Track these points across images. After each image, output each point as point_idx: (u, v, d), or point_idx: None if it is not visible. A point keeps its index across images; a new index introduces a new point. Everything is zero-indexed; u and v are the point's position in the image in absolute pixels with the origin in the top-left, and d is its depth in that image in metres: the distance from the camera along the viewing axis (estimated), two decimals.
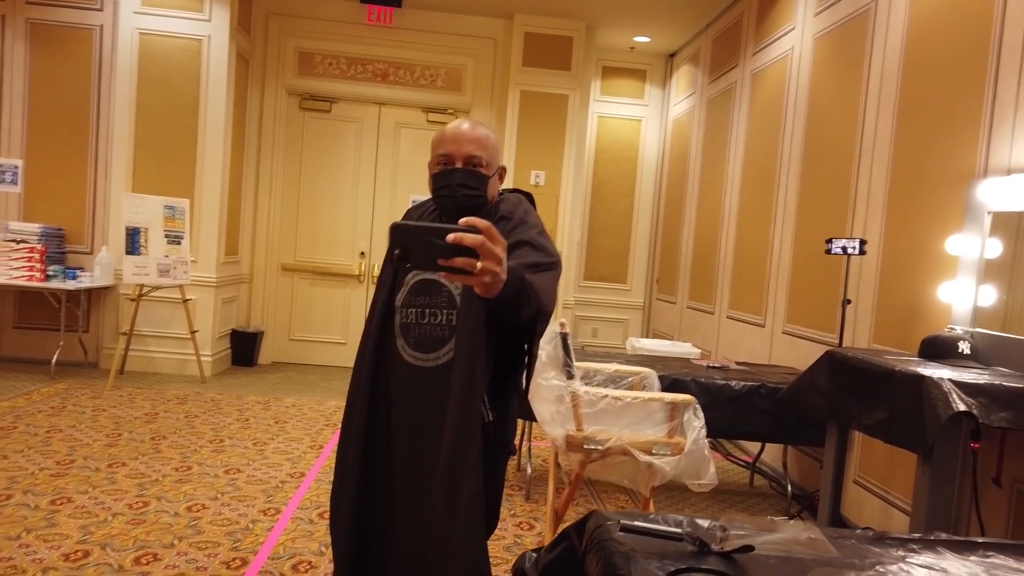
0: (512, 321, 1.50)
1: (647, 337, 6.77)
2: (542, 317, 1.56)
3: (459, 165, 1.69)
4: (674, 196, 6.53)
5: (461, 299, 1.67)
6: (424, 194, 1.96)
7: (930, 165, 2.99)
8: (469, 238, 1.16)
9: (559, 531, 1.78)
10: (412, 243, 1.17)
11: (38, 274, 5.20)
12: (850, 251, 3.11)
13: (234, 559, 2.64)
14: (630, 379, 2.82)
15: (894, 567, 1.30)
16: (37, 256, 5.22)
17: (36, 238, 5.32)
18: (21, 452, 3.55)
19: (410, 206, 1.87)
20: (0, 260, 5.19)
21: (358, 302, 6.53)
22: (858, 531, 1.54)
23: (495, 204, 1.78)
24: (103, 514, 2.92)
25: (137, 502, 3.07)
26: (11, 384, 4.88)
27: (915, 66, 3.15)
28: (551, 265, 1.63)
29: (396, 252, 1.17)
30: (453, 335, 1.66)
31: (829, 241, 3.21)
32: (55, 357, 5.24)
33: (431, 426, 1.66)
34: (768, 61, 4.72)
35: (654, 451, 2.29)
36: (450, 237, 1.15)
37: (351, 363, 1.89)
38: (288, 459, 3.81)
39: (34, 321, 5.64)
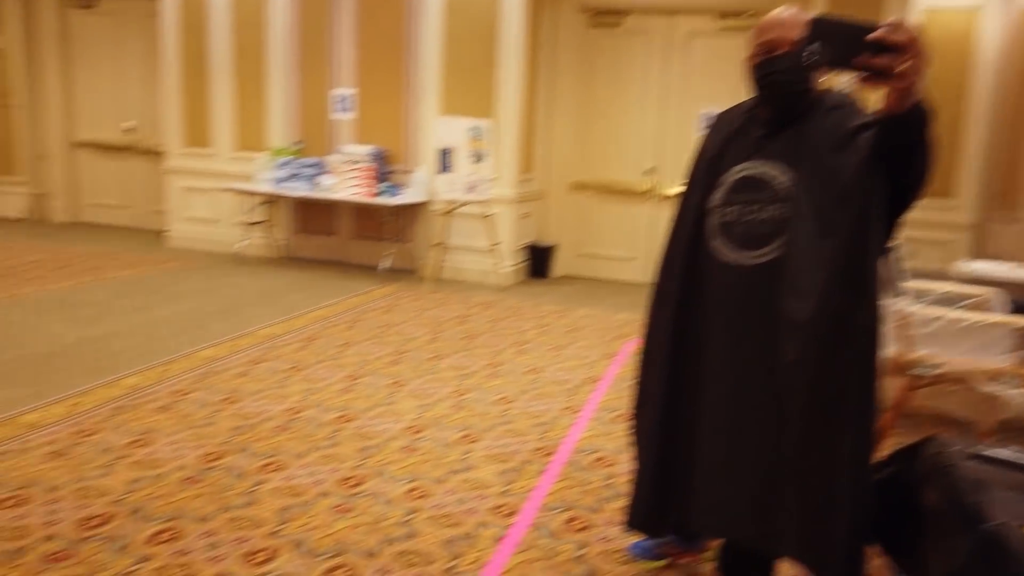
0: (899, 166, 1.39)
1: (980, 261, 5.90)
2: (919, 193, 1.44)
3: (784, 51, 1.58)
4: (1019, 98, 5.49)
5: (793, 191, 1.57)
6: (715, 108, 1.87)
7: None
8: (897, 35, 1.13)
9: (887, 454, 1.68)
10: (832, 37, 1.16)
11: (370, 191, 5.96)
12: None
13: (542, 447, 2.89)
14: (967, 302, 2.49)
15: None
16: (369, 175, 5.97)
17: (367, 159, 6.08)
18: (365, 341, 4.19)
19: (713, 116, 1.80)
20: (340, 179, 6.05)
21: (645, 219, 6.54)
22: None
23: (820, 96, 1.65)
24: (432, 397, 3.36)
25: (458, 390, 3.48)
26: (354, 285, 5.73)
27: None
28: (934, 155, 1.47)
29: (811, 48, 1.17)
30: (781, 230, 1.58)
31: None
32: (385, 264, 6.04)
33: (754, 328, 1.62)
34: None
35: (1000, 381, 2.02)
36: (876, 34, 1.13)
37: (638, 278, 1.89)
38: (584, 364, 4.03)
39: (368, 232, 6.52)
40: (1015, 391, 1.99)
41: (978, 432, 2.25)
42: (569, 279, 6.68)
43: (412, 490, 2.47)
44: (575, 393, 3.55)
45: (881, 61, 1.14)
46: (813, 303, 1.52)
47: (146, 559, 1.95)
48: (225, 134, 6.76)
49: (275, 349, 3.90)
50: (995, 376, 2.05)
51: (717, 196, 1.69)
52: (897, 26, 1.14)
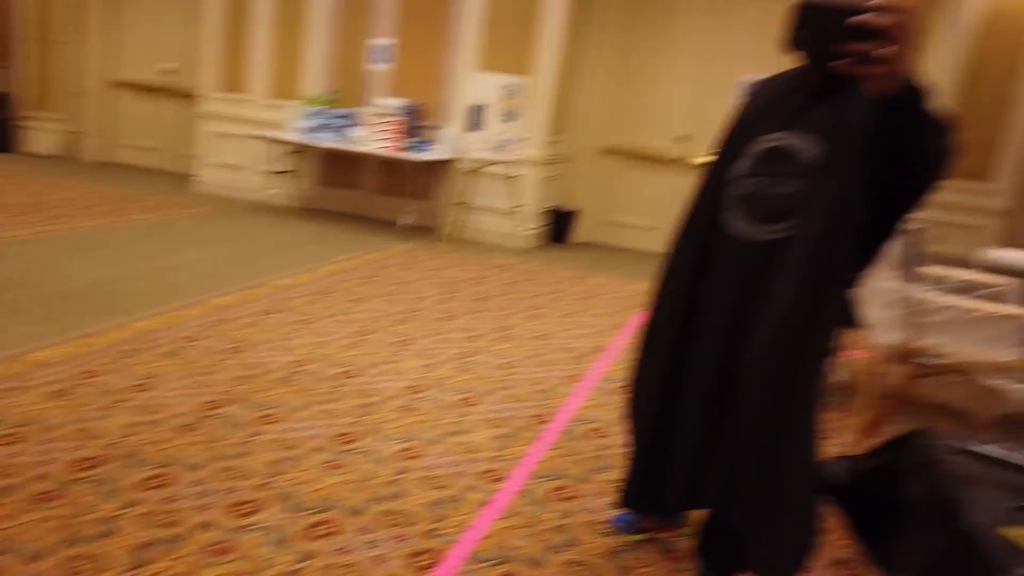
0: (899, 151, 1.33)
1: (1011, 249, 5.70)
2: (929, 177, 1.37)
3: None
4: None
5: (819, 166, 1.49)
6: (756, 75, 1.79)
7: None
8: (877, 20, 1.09)
9: (877, 443, 1.64)
10: (819, 23, 1.15)
11: (397, 145, 5.92)
12: None
13: (539, 414, 2.88)
14: (983, 291, 2.40)
15: None
16: (399, 128, 5.92)
17: (399, 112, 6.02)
18: (378, 297, 4.19)
19: (751, 85, 1.71)
20: (369, 132, 6.01)
21: (672, 187, 6.42)
22: None
23: None
24: (437, 358, 3.36)
25: (464, 352, 3.47)
26: (372, 241, 5.73)
27: None
28: (948, 134, 1.38)
29: (797, 32, 1.17)
30: (799, 207, 1.52)
31: None
32: (408, 220, 6.02)
33: (754, 304, 1.56)
34: None
35: (1005, 375, 1.95)
36: (857, 19, 1.10)
37: (659, 248, 1.84)
38: (592, 333, 4.00)
39: (391, 188, 6.50)
40: (1018, 386, 1.92)
41: (976, 425, 2.18)
42: (590, 246, 6.61)
43: (405, 450, 2.48)
44: (580, 361, 3.53)
45: (862, 46, 1.10)
46: (788, 287, 1.48)
47: (133, 504, 1.99)
48: (261, 80, 6.75)
49: (287, 301, 3.93)
50: (1001, 369, 1.98)
51: (743, 165, 1.61)
52: (882, 8, 1.08)
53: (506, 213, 6.02)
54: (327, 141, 6.12)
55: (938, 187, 1.41)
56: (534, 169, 5.98)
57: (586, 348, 3.73)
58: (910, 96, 1.21)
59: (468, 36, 5.96)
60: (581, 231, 6.72)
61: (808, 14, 1.14)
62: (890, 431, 2.81)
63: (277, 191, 6.68)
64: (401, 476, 2.32)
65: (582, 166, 6.67)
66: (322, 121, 6.20)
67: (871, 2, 1.10)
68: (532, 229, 6.11)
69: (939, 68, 5.35)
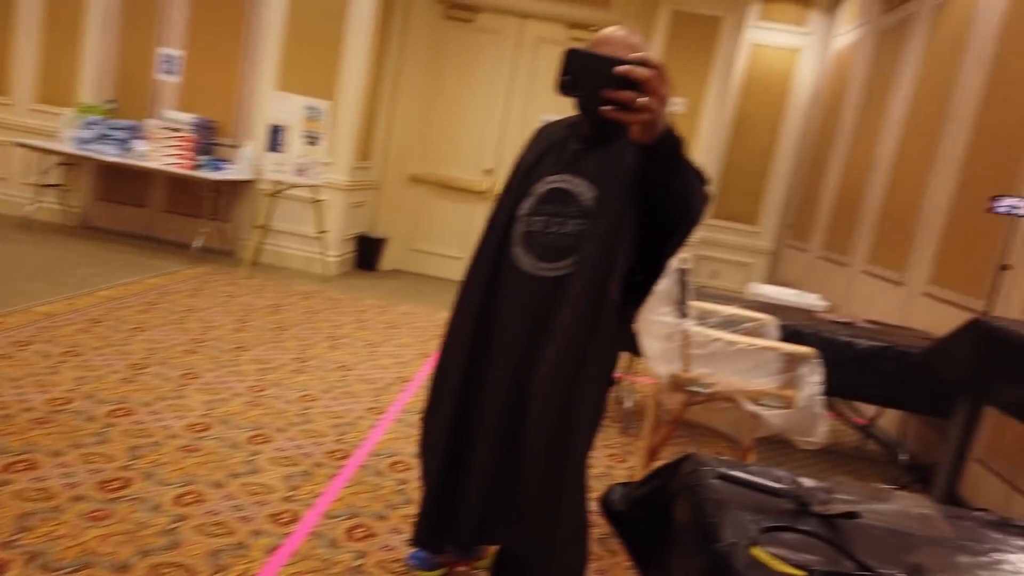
0: (661, 194, 1.45)
1: (771, 285, 6.44)
2: (688, 218, 1.50)
3: None
4: (822, 136, 6.06)
5: (594, 208, 1.59)
6: (556, 115, 1.89)
7: None
8: (638, 71, 1.19)
9: (652, 469, 1.73)
10: (582, 70, 1.21)
11: (188, 162, 5.52)
12: (1018, 212, 2.77)
13: (337, 450, 2.78)
14: (747, 325, 2.68)
15: (1014, 556, 1.18)
16: (188, 145, 5.53)
17: (189, 128, 5.63)
18: (161, 327, 3.85)
19: (540, 125, 1.81)
20: (156, 146, 5.55)
21: (479, 219, 6.56)
22: (977, 512, 1.41)
23: None
24: (226, 393, 3.14)
25: (257, 386, 3.27)
26: (158, 263, 5.29)
27: None
28: (704, 181, 1.54)
29: (566, 78, 1.21)
30: (579, 246, 1.60)
31: (994, 199, 2.87)
32: (198, 242, 5.63)
33: (541, 337, 1.62)
34: None
35: (763, 401, 2.18)
36: (619, 69, 1.19)
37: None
38: (397, 363, 3.94)
39: (182, 207, 6.04)
40: (774, 411, 2.15)
41: (741, 447, 2.41)
42: (397, 273, 6.57)
43: (183, 495, 2.28)
44: (383, 393, 3.46)
45: (625, 95, 1.19)
46: (570, 316, 1.56)
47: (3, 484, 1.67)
48: (26, 82, 6.02)
49: (52, 330, 3.50)
50: (758, 396, 2.20)
51: (527, 205, 1.69)
52: (642, 62, 1.19)
53: (310, 238, 5.82)
54: (107, 154, 5.57)
55: (696, 228, 1.57)
56: (339, 194, 5.85)
57: (390, 379, 3.67)
58: (668, 144, 1.33)
59: (268, 54, 5.72)
60: (388, 259, 6.66)
61: (576, 61, 1.21)
62: (670, 455, 3.03)
63: (44, 206, 5.97)
64: (178, 524, 2.12)
65: (390, 194, 6.63)
66: (101, 132, 5.64)
67: (632, 56, 1.21)
68: (337, 255, 5.95)
69: (711, 124, 5.96)
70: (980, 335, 2.38)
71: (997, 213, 2.86)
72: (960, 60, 3.94)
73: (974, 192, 3.56)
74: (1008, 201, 2.82)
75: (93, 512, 2.10)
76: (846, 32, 5.98)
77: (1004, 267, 2.94)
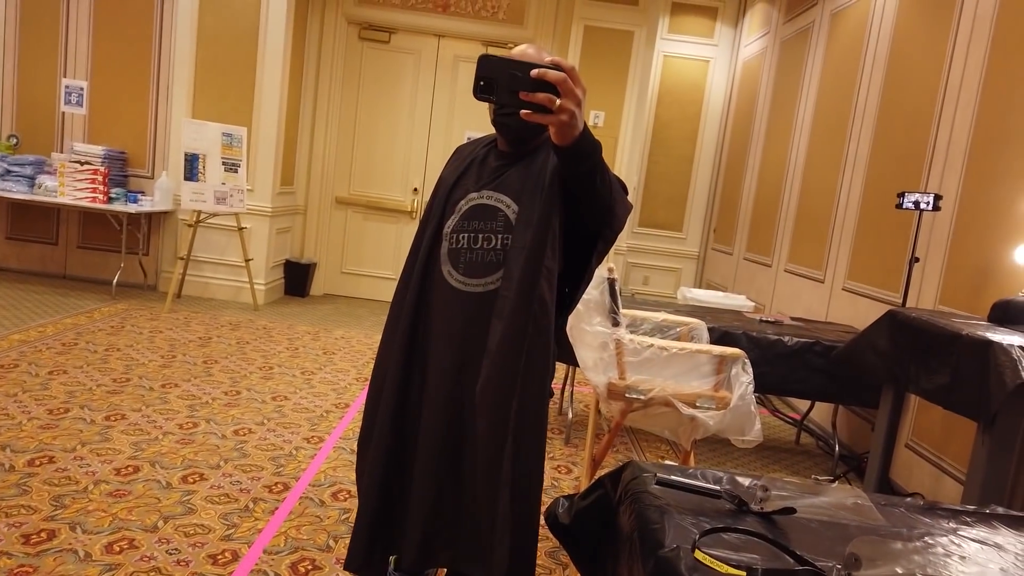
0: (584, 194, 1.48)
1: (700, 288, 6.62)
2: (612, 221, 1.56)
3: None
4: (738, 143, 6.28)
5: (518, 223, 1.61)
6: (480, 131, 1.90)
7: (1019, 117, 2.76)
8: (552, 74, 1.22)
9: (595, 479, 1.75)
10: (497, 75, 1.23)
11: (101, 196, 5.31)
12: (923, 206, 2.93)
13: (276, 483, 2.70)
14: (678, 330, 2.74)
15: (944, 540, 1.23)
16: (100, 178, 5.32)
17: (100, 160, 5.42)
18: (81, 368, 3.68)
19: (464, 142, 1.82)
20: (66, 181, 5.32)
21: (409, 238, 6.52)
22: (907, 499, 1.47)
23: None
24: (154, 432, 3.02)
25: (187, 423, 3.16)
26: (74, 302, 5.06)
27: (1013, 7, 2.89)
28: (625, 190, 1.62)
29: (481, 83, 1.23)
30: (505, 261, 1.61)
31: (901, 195, 3.03)
32: (116, 278, 5.41)
33: (474, 353, 1.62)
34: (851, 0, 4.41)
35: (698, 404, 2.23)
36: (535, 72, 1.22)
37: None
38: (334, 390, 3.87)
39: (97, 242, 5.80)
40: (711, 413, 2.20)
41: (682, 451, 2.46)
42: (329, 298, 6.46)
43: (114, 543, 2.17)
44: (321, 421, 3.39)
45: (541, 97, 1.22)
46: (501, 329, 1.57)
47: None
48: None
49: None
50: (694, 400, 2.25)
51: (451, 222, 1.69)
52: (555, 65, 1.23)
53: (236, 267, 5.67)
54: (12, 191, 5.31)
55: (618, 234, 1.61)
56: (263, 220, 5.72)
57: (328, 406, 3.60)
58: (587, 144, 1.37)
59: (180, 81, 5.56)
60: (319, 283, 6.54)
61: (490, 66, 1.24)
62: (614, 462, 3.06)
63: None
64: (108, 575, 2.02)
65: (317, 217, 6.52)
66: (4, 168, 5.37)
67: (547, 59, 1.25)
68: (265, 283, 5.81)
69: (631, 135, 6.10)
70: (896, 326, 2.50)
71: (904, 209, 3.01)
72: (859, 64, 4.16)
73: (882, 189, 3.74)
74: (912, 197, 2.97)
75: (16, 570, 1.98)
76: (752, 42, 6.23)
77: (914, 260, 3.09)
